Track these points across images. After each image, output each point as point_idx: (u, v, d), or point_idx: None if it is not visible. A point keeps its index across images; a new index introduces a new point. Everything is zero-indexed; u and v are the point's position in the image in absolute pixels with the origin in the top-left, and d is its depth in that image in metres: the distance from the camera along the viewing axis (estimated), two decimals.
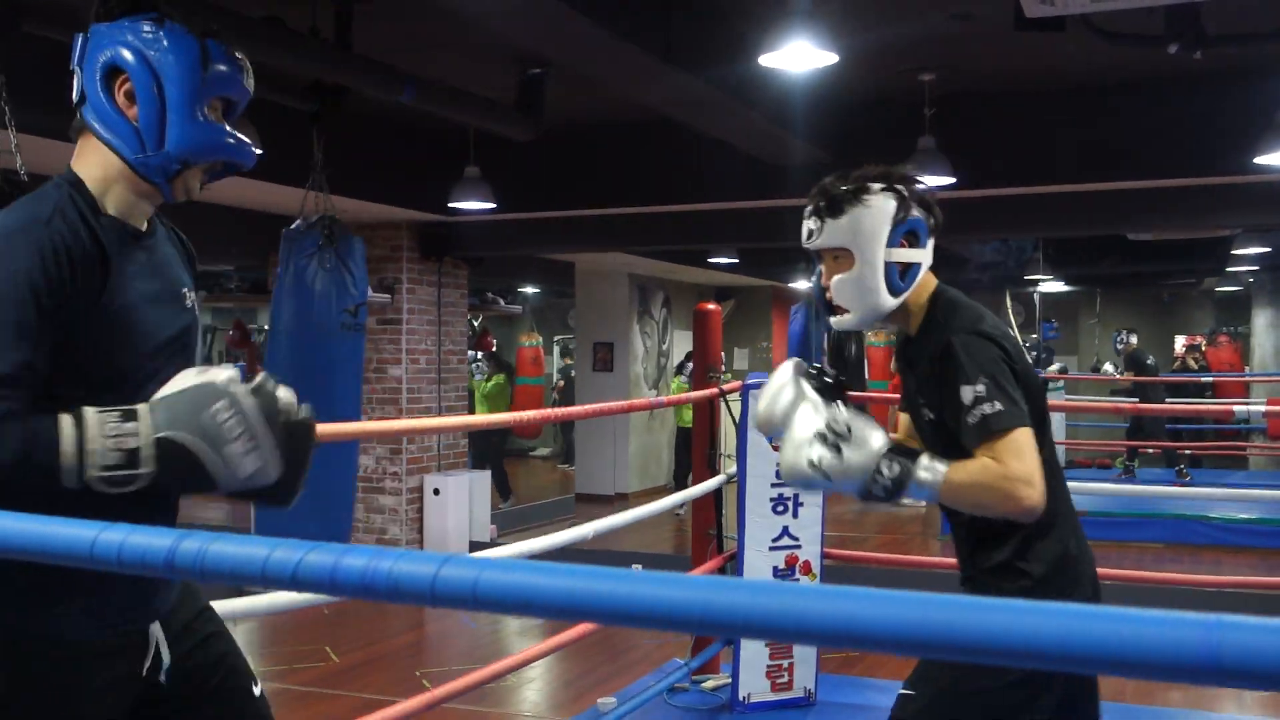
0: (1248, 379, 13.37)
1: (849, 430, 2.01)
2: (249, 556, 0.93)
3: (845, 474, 2.01)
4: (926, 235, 2.22)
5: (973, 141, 6.39)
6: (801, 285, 13.85)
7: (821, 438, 2.02)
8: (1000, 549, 2.15)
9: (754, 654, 4.39)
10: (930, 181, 6.11)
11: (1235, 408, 6.89)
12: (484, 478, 9.24)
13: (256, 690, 2.05)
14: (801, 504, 4.45)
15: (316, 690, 5.71)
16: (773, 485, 4.42)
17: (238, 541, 0.95)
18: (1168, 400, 11.78)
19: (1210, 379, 12.88)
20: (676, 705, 4.55)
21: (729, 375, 5.00)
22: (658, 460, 13.26)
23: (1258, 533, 8.69)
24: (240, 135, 1.82)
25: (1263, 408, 5.30)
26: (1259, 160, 5.61)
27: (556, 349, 17.15)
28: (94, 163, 1.72)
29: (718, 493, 4.87)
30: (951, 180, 6.10)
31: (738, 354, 15.40)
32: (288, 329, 4.67)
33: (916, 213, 2.20)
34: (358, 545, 0.89)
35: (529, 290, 14.65)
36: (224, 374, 1.60)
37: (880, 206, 2.17)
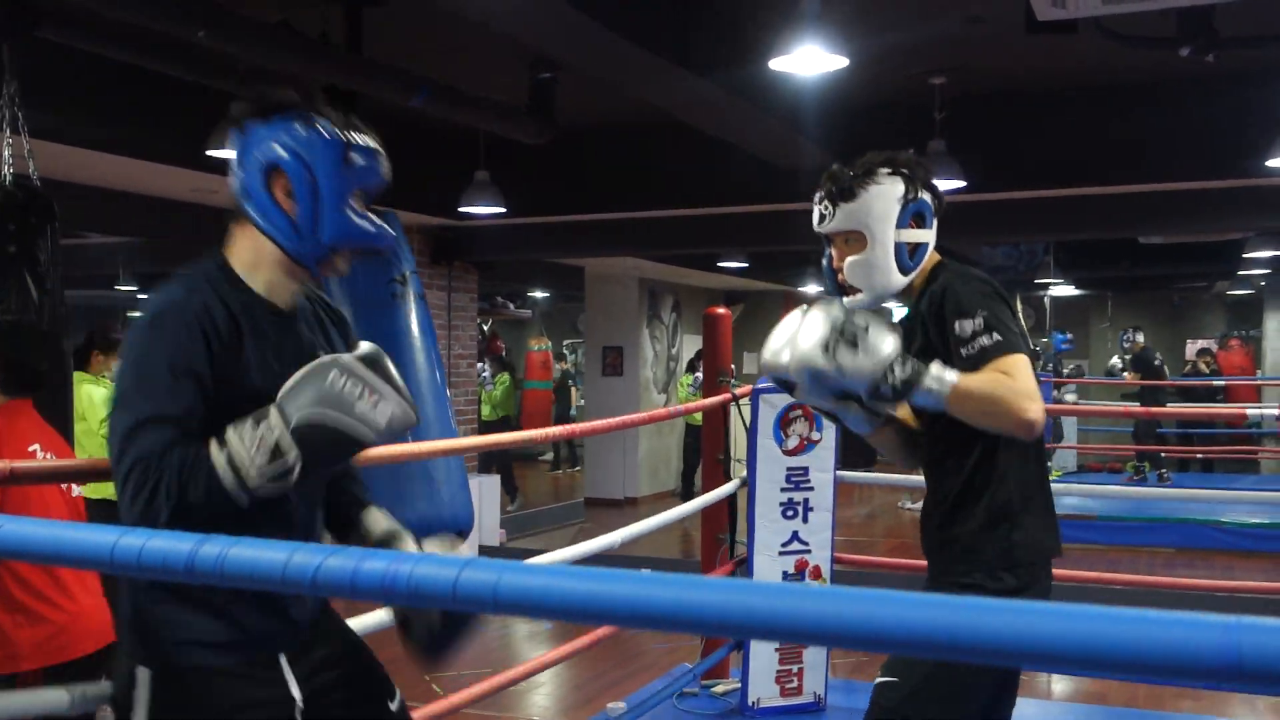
0: (1259, 382, 13.34)
1: (866, 330, 2.08)
2: (270, 561, 0.94)
3: (856, 369, 2.05)
4: (932, 216, 2.34)
5: (983, 145, 6.39)
6: (812, 289, 13.85)
7: (838, 332, 2.07)
8: (970, 519, 2.24)
9: (763, 659, 4.39)
10: (941, 185, 6.11)
11: (1249, 411, 6.86)
12: (493, 481, 9.25)
13: (393, 705, 2.17)
14: (811, 509, 4.45)
15: None
16: (782, 490, 4.42)
17: (258, 546, 0.96)
18: (1171, 404, 11.73)
19: (1221, 382, 12.85)
20: (686, 710, 4.54)
21: (738, 382, 5.00)
22: (667, 464, 13.26)
23: (1270, 537, 8.66)
24: (378, 220, 2.02)
25: (1275, 411, 5.28)
26: (1271, 163, 5.60)
27: (563, 353, 17.16)
28: (247, 248, 1.92)
29: (729, 497, 4.87)
30: (962, 183, 6.10)
31: (748, 358, 15.39)
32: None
33: (923, 194, 2.33)
34: (377, 550, 0.90)
35: (538, 294, 14.66)
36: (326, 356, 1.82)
37: (889, 189, 2.29)
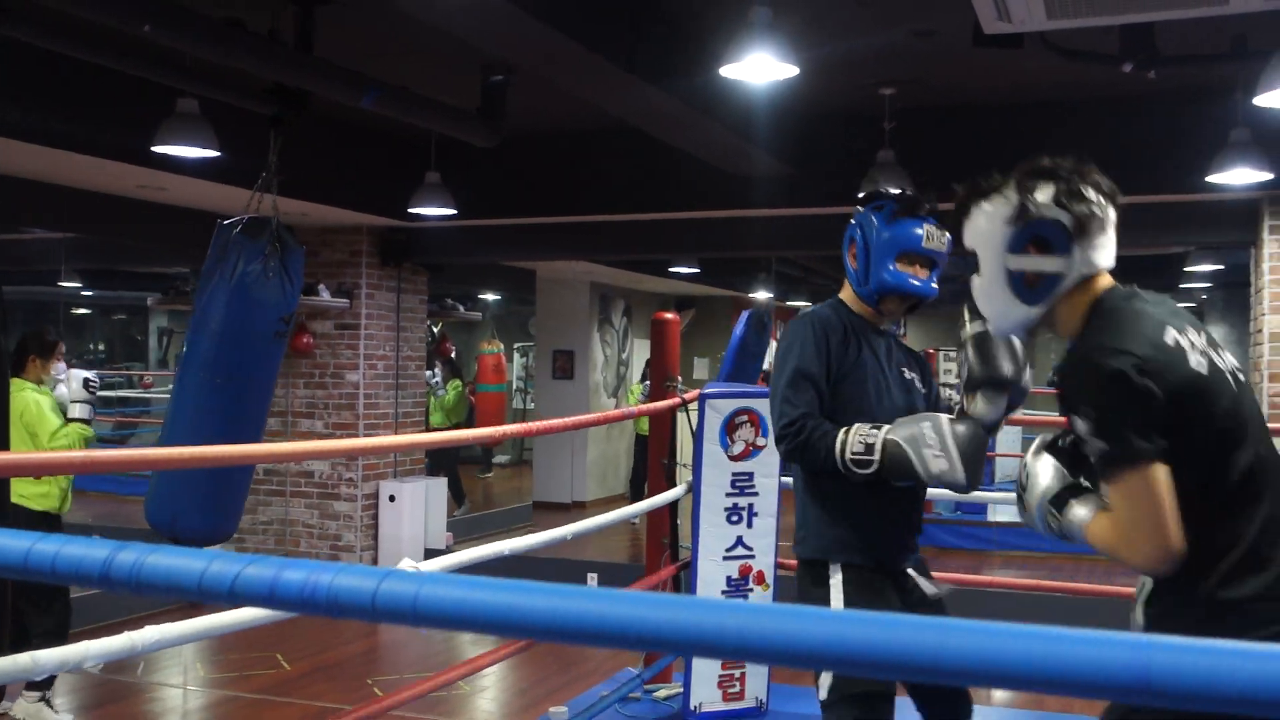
0: None
1: (1026, 477, 2.05)
2: (186, 569, 0.92)
3: (1030, 522, 2.06)
4: (1067, 240, 1.94)
5: (932, 155, 6.44)
6: (762, 295, 13.90)
7: (1018, 487, 2.09)
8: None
9: (706, 664, 4.40)
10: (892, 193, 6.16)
11: None
12: (440, 485, 9.19)
13: None
14: (756, 514, 4.46)
15: (267, 698, 5.65)
16: (727, 495, 4.43)
17: (175, 554, 0.94)
18: None
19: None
20: (628, 715, 4.54)
21: (684, 387, 5.00)
22: (616, 469, 13.25)
23: None
24: (923, 279, 2.83)
25: None
26: (1211, 179, 5.69)
27: (515, 356, 17.09)
28: (848, 287, 2.91)
29: (673, 502, 4.87)
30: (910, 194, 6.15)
31: (697, 363, 15.43)
32: (219, 330, 4.53)
33: (1050, 214, 1.94)
34: (298, 559, 0.88)
35: (489, 297, 14.60)
36: (932, 416, 2.58)
37: (993, 210, 2.01)
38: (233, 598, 0.91)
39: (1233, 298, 12.02)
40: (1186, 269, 10.78)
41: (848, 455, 2.56)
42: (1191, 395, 1.80)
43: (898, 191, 3.19)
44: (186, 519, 4.47)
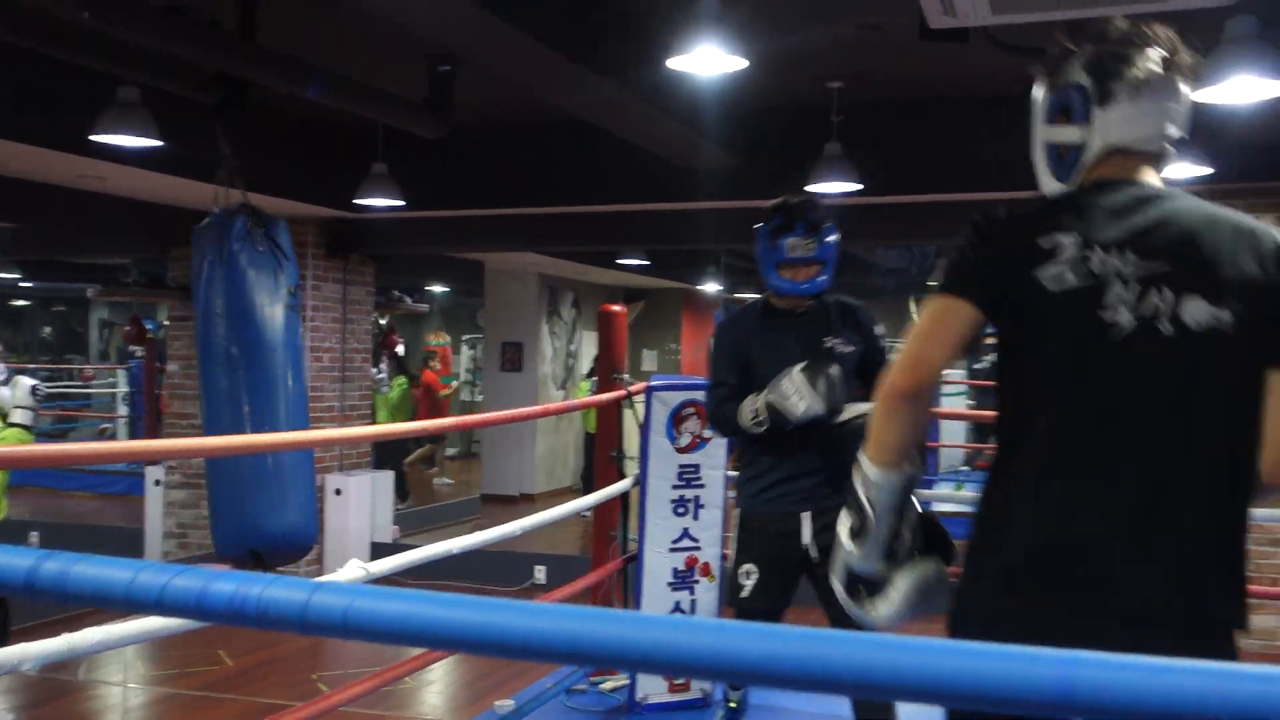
0: None
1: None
2: (112, 579, 0.90)
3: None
4: (1086, 107, 1.77)
5: (880, 149, 6.48)
6: (712, 287, 13.93)
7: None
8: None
9: None
10: (836, 187, 6.20)
11: None
12: (387, 478, 9.13)
13: None
14: (702, 506, 4.47)
15: (209, 695, 5.59)
16: (673, 487, 4.44)
17: (101, 564, 0.92)
18: None
19: None
20: (574, 707, 4.54)
21: (633, 379, 5.00)
22: (564, 461, 13.23)
23: None
24: (802, 279, 3.38)
25: None
26: None
27: (466, 351, 17.00)
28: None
29: (622, 495, 4.88)
30: (858, 186, 6.18)
31: (646, 355, 15.44)
32: (227, 314, 4.38)
33: (1073, 80, 1.79)
34: (227, 571, 0.87)
35: (437, 289, 14.52)
36: (788, 371, 3.23)
37: (1039, 81, 1.89)
38: (160, 608, 0.89)
39: None
40: None
41: (746, 421, 3.30)
42: (1015, 296, 1.64)
43: (774, 205, 3.42)
44: (261, 532, 4.23)
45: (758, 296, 3.59)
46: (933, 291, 1.72)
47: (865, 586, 1.82)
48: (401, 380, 11.62)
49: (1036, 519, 1.61)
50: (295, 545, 4.35)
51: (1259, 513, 5.93)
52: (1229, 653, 1.61)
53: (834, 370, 3.21)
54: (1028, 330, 1.64)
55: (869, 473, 1.77)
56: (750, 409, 3.28)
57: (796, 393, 3.18)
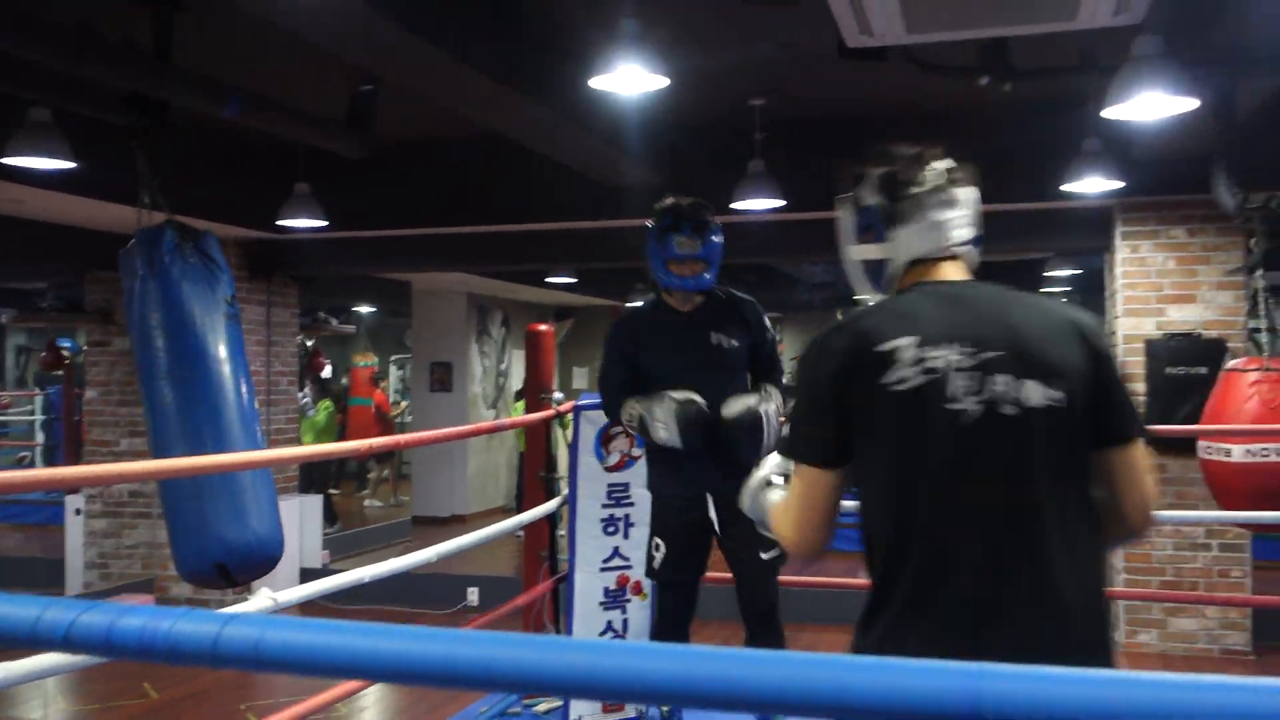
0: None
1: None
2: (17, 617, 0.88)
3: (745, 508, 2.18)
4: (884, 226, 1.92)
5: (802, 166, 6.55)
6: (640, 304, 13.94)
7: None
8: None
9: None
10: (760, 204, 6.26)
11: None
12: (315, 502, 9.01)
13: (764, 556, 3.58)
14: (633, 524, 4.46)
15: None
16: (603, 506, 4.43)
17: (5, 601, 0.90)
18: None
19: None
20: None
21: (560, 398, 4.99)
22: (496, 481, 13.16)
23: None
24: (691, 275, 3.63)
25: None
26: (1066, 188, 5.90)
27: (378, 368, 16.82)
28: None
29: (552, 514, 4.86)
30: (781, 203, 6.24)
31: (577, 373, 15.42)
32: (165, 328, 4.23)
33: (869, 202, 1.95)
34: (137, 605, 0.85)
35: (364, 309, 14.38)
36: (678, 394, 3.51)
37: (843, 204, 2.01)
38: (68, 646, 0.87)
39: (1089, 302, 12.46)
40: (1046, 274, 11.16)
41: (623, 419, 3.64)
42: (866, 404, 1.73)
43: (664, 206, 3.69)
44: (223, 544, 4.05)
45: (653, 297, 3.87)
46: (793, 458, 1.84)
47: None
48: (327, 403, 11.48)
49: (904, 614, 1.71)
50: (264, 556, 4.23)
51: (1178, 515, 6.05)
52: None
53: (697, 412, 3.49)
54: (884, 431, 1.73)
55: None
56: (628, 412, 3.61)
57: (663, 423, 3.50)
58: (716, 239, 3.69)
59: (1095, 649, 1.71)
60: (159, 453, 4.21)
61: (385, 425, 12.20)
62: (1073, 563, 1.70)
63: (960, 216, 1.90)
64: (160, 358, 4.23)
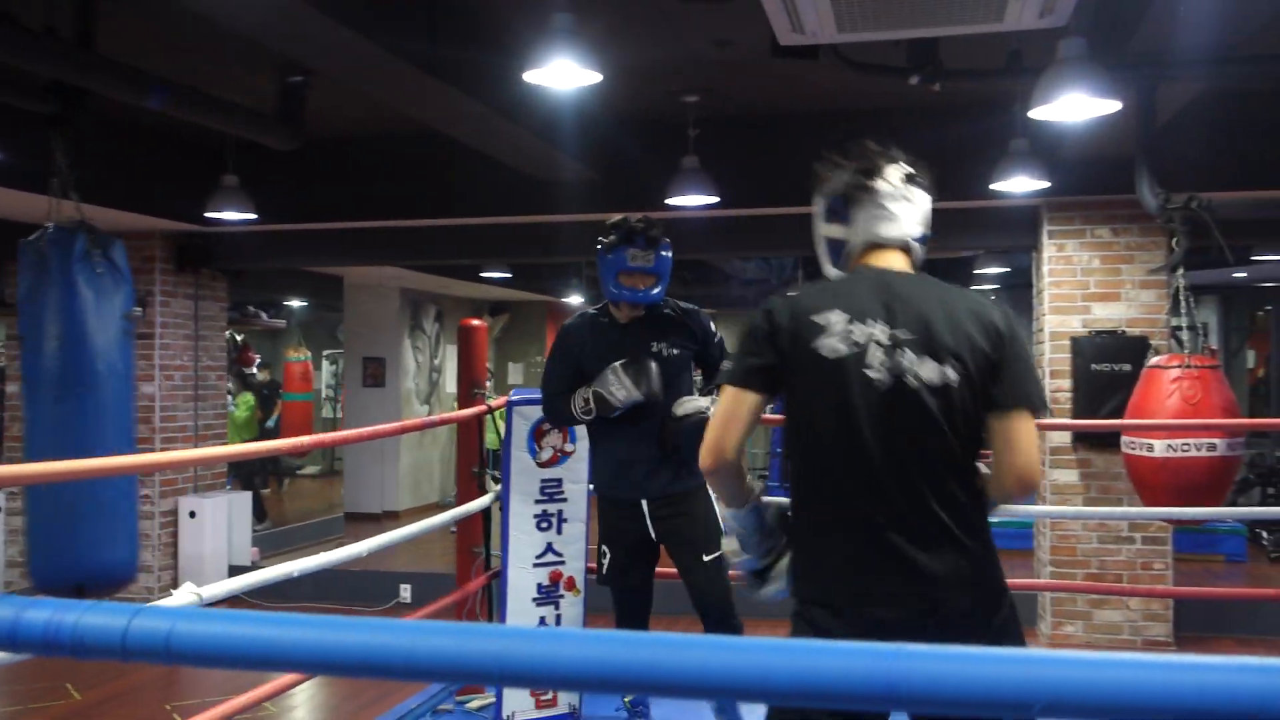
0: None
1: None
2: None
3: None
4: (846, 211, 2.31)
5: (735, 162, 6.58)
6: (576, 299, 13.93)
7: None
8: None
9: None
10: (693, 200, 6.27)
11: None
12: (244, 499, 8.88)
13: (705, 558, 3.71)
14: (566, 520, 4.46)
15: None
16: (536, 502, 4.41)
17: None
18: None
19: None
20: None
21: (494, 393, 4.97)
22: (430, 476, 13.06)
23: (999, 535, 9.24)
24: (642, 288, 3.78)
25: None
26: (995, 186, 5.98)
27: (267, 362, 16.63)
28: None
29: (485, 510, 4.83)
30: (715, 199, 6.26)
31: (512, 369, 15.36)
32: (61, 339, 4.14)
33: (835, 190, 2.35)
34: (43, 599, 0.83)
35: (295, 303, 14.19)
36: (613, 366, 3.69)
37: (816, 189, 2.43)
38: None
39: (1018, 298, 12.66)
40: (976, 271, 11.32)
41: (578, 409, 3.74)
42: (799, 364, 2.11)
43: (617, 221, 3.82)
44: (86, 567, 3.99)
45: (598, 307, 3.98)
46: (726, 383, 2.19)
47: (758, 575, 2.32)
48: (247, 397, 11.30)
49: (823, 535, 2.13)
50: (121, 578, 4.18)
51: (1102, 510, 6.16)
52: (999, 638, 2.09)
53: (651, 365, 3.71)
54: (812, 387, 2.12)
55: (725, 513, 2.32)
56: (580, 398, 3.75)
57: (617, 383, 3.66)
58: (666, 254, 3.84)
59: (975, 586, 2.07)
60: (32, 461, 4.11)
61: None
62: (954, 513, 2.06)
63: (912, 212, 2.26)
64: (49, 367, 4.13)
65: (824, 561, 2.11)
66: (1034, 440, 2.11)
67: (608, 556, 3.87)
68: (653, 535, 3.81)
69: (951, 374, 2.06)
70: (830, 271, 2.32)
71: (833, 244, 2.30)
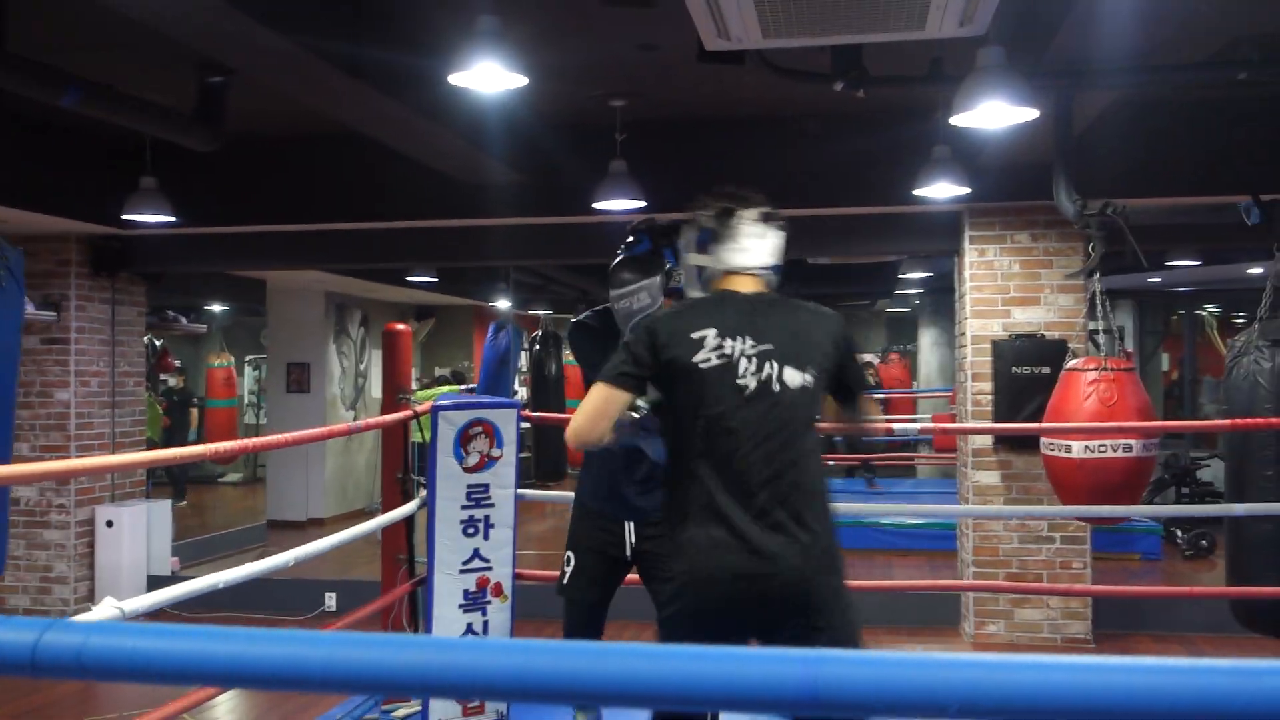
0: (914, 395, 14.45)
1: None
2: None
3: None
4: (709, 243, 2.75)
5: (661, 167, 6.60)
6: (502, 304, 13.87)
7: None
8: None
9: None
10: (621, 205, 6.29)
11: (894, 426, 7.42)
12: (163, 507, 8.70)
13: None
14: (493, 525, 4.43)
15: None
16: (462, 508, 4.38)
17: None
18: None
19: (883, 395, 13.85)
20: None
21: (418, 399, 4.93)
22: (356, 483, 12.92)
23: (923, 536, 9.39)
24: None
25: (916, 425, 5.71)
26: (918, 192, 6.08)
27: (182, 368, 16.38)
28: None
29: (410, 516, 4.79)
30: (642, 203, 6.28)
31: (439, 374, 15.25)
32: None
33: (702, 225, 2.78)
34: None
35: (216, 308, 13.96)
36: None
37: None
38: None
39: (941, 303, 12.87)
40: (900, 276, 11.47)
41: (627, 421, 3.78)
42: (680, 374, 2.54)
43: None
44: None
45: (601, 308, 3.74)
46: (605, 381, 2.58)
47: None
48: (153, 405, 11.07)
49: (701, 518, 2.52)
50: None
51: (1022, 509, 6.28)
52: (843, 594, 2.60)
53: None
54: (690, 394, 2.54)
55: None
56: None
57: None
58: None
59: (827, 556, 2.52)
60: None
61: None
62: (813, 495, 2.53)
63: (765, 246, 2.70)
64: None
65: (688, 540, 2.52)
66: (875, 411, 2.62)
67: (571, 564, 3.76)
68: (629, 554, 3.71)
69: (809, 378, 2.55)
70: (694, 293, 2.77)
71: (699, 270, 2.74)
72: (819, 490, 2.57)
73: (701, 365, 2.51)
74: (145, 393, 10.99)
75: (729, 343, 2.52)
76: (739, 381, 2.50)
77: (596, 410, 2.54)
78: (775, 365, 2.52)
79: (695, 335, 2.53)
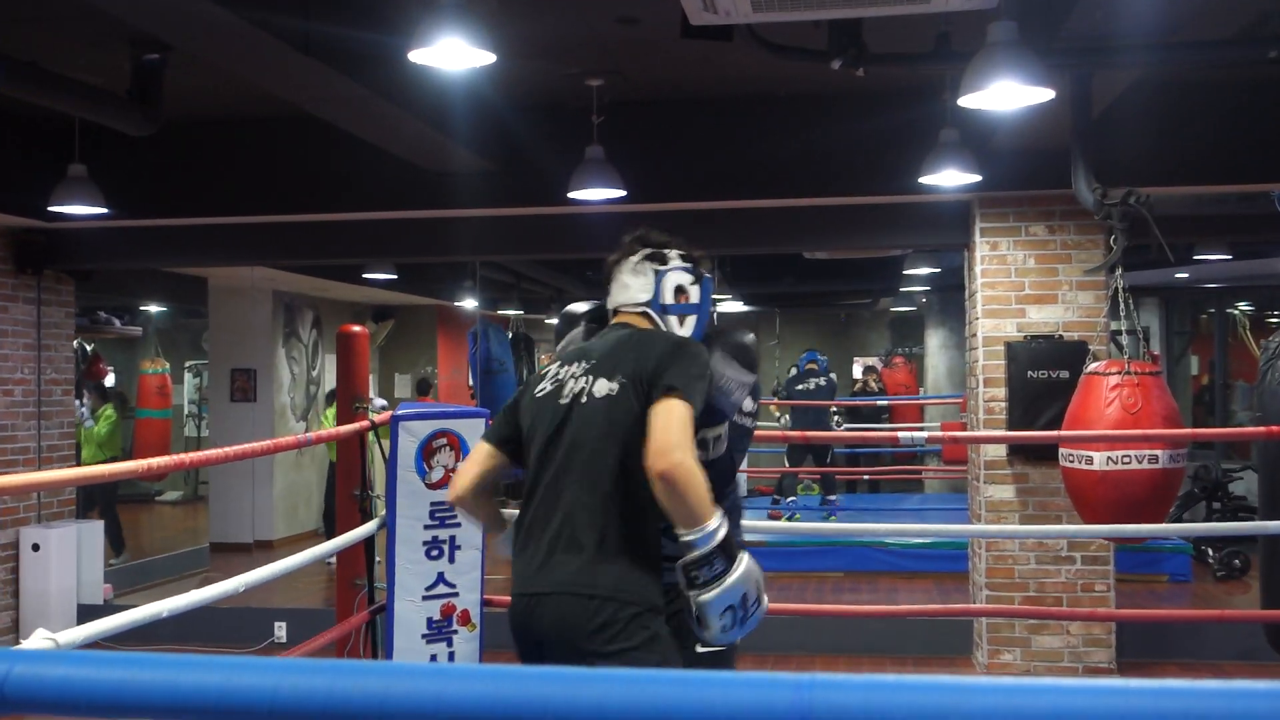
0: (922, 401, 14.49)
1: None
2: None
3: None
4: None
5: (643, 153, 6.61)
6: (469, 304, 13.87)
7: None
8: None
9: None
10: (598, 194, 6.30)
11: (900, 435, 7.43)
12: (95, 529, 8.66)
13: (698, 649, 3.36)
14: (459, 547, 4.44)
15: None
16: (426, 528, 4.38)
17: None
18: (844, 427, 12.52)
19: (886, 401, 13.89)
20: None
21: (382, 405, 4.92)
22: (308, 501, 12.89)
23: (931, 557, 9.42)
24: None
25: (924, 435, 5.74)
26: (923, 180, 6.09)
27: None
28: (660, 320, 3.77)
29: (368, 538, 4.78)
30: (622, 193, 6.28)
31: (399, 380, 15.22)
32: None
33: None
34: None
35: (153, 309, 13.90)
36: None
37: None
38: None
39: (949, 302, 12.88)
40: (905, 272, 11.51)
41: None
42: (525, 409, 2.99)
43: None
44: None
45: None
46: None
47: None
48: (109, 412, 11.04)
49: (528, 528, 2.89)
50: None
51: (1039, 529, 6.30)
52: (644, 621, 2.74)
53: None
54: (529, 419, 2.96)
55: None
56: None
57: (734, 378, 3.50)
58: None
59: (604, 578, 2.72)
60: None
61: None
62: (623, 494, 2.77)
63: (645, 284, 3.07)
64: None
65: (520, 555, 2.86)
66: (683, 419, 2.70)
67: None
68: None
69: (616, 387, 2.82)
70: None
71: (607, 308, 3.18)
72: (611, 509, 2.78)
73: (538, 395, 2.95)
74: (103, 404, 10.97)
75: (564, 370, 2.95)
76: (560, 401, 2.89)
77: (468, 467, 3.12)
78: (590, 379, 2.87)
79: (543, 370, 3.05)
